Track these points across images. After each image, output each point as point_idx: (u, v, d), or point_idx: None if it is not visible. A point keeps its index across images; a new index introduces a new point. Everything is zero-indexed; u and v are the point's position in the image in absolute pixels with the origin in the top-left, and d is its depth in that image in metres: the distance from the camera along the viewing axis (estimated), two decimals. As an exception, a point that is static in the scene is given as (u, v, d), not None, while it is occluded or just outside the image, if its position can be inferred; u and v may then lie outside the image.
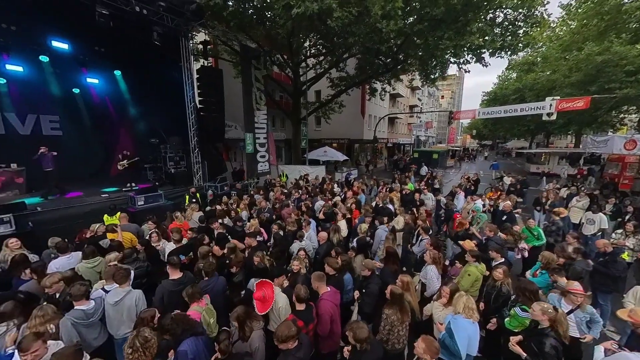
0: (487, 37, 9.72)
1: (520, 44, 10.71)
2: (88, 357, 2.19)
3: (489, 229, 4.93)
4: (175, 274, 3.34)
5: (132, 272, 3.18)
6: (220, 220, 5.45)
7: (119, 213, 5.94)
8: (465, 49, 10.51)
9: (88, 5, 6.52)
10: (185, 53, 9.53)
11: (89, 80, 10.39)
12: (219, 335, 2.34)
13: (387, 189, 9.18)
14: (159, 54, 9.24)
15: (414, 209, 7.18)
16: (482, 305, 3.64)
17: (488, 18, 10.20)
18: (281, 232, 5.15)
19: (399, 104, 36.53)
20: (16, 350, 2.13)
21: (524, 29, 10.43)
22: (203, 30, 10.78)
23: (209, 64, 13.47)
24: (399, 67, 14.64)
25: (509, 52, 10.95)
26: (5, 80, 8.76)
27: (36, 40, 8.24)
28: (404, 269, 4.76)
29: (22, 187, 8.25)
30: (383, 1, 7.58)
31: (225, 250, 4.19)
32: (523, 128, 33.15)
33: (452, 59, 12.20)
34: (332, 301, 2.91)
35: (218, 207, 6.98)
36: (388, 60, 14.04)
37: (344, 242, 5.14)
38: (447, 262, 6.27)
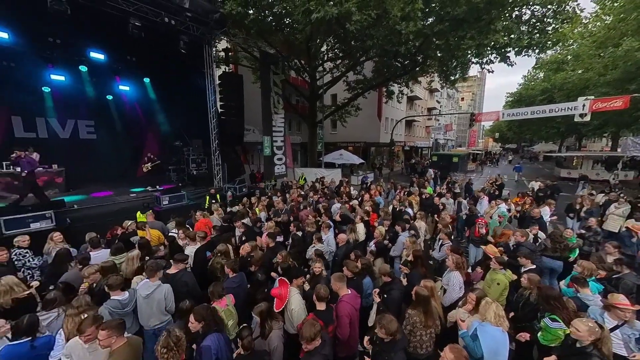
0: (512, 36, 9.29)
1: (549, 42, 10.13)
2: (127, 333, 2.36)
3: (521, 234, 4.65)
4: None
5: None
6: (243, 221, 5.58)
7: (149, 211, 6.27)
8: (488, 48, 10.11)
9: (123, 18, 7.03)
10: (209, 60, 9.96)
11: (121, 87, 11.15)
12: (241, 331, 2.38)
13: (405, 193, 8.98)
14: (184, 61, 9.74)
15: (435, 214, 6.98)
16: (511, 314, 3.44)
17: (514, 15, 9.77)
18: (299, 233, 5.18)
19: (416, 106, 35.80)
20: (59, 335, 2.32)
21: (553, 25, 9.87)
22: (225, 38, 11.25)
23: (230, 70, 14.02)
24: (418, 68, 14.38)
25: (536, 51, 10.40)
26: (49, 89, 9.61)
27: (77, 52, 8.99)
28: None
29: (61, 186, 8.94)
30: (402, 3, 7.51)
31: (249, 249, 4.29)
32: (552, 130, 31.29)
33: (474, 59, 11.79)
34: (352, 304, 2.86)
35: (238, 207, 7.17)
36: (406, 62, 13.84)
37: (361, 245, 5.07)
38: (469, 270, 6.05)
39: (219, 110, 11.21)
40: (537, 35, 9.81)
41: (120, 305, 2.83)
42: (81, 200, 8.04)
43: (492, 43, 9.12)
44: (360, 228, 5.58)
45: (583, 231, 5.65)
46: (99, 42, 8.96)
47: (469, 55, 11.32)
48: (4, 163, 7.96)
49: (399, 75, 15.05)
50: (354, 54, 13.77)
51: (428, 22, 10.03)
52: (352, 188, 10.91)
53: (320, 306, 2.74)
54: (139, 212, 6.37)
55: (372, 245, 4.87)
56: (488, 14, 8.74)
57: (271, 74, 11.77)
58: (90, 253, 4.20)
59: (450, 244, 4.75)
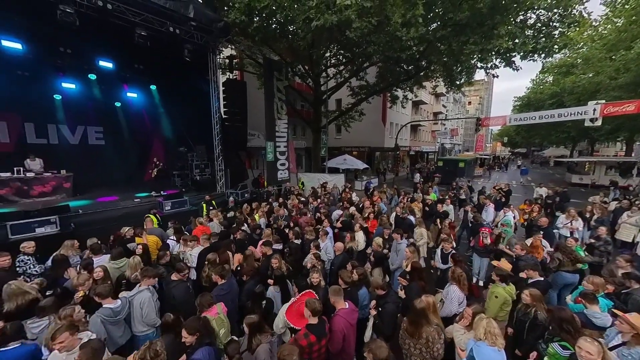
0: (517, 40, 9.14)
1: (556, 46, 9.94)
2: (109, 354, 2.31)
3: (520, 246, 4.47)
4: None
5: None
6: (242, 228, 5.57)
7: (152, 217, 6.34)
8: (492, 53, 9.98)
9: (129, 28, 7.23)
10: (213, 67, 10.13)
11: (128, 94, 11.44)
12: (228, 346, 2.33)
13: (409, 199, 8.83)
14: (189, 68, 9.94)
15: (438, 221, 6.82)
16: (510, 330, 3.28)
17: (518, 20, 9.63)
18: (298, 241, 5.13)
19: (422, 111, 35.56)
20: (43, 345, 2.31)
21: (560, 29, 9.69)
22: (229, 46, 11.46)
23: (234, 77, 14.24)
24: (422, 74, 14.31)
25: (542, 55, 10.21)
26: (60, 97, 9.93)
27: (86, 61, 9.29)
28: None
29: (69, 191, 9.14)
30: (403, 9, 7.50)
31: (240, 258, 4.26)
32: (562, 135, 30.55)
33: (478, 64, 11.66)
34: (347, 319, 2.78)
35: (237, 213, 7.18)
36: (410, 68, 13.80)
37: (362, 253, 4.97)
38: (474, 280, 5.84)
39: (223, 116, 11.35)
40: (543, 39, 9.64)
41: (113, 314, 2.82)
42: (87, 205, 8.19)
43: (496, 48, 9.00)
44: (360, 236, 5.49)
45: (592, 241, 5.40)
46: (108, 51, 9.25)
47: (474, 60, 11.19)
48: (15, 168, 8.20)
49: (402, 80, 15.00)
50: (356, 60, 13.82)
51: (431, 28, 9.99)
52: (354, 194, 10.81)
53: (313, 320, 2.67)
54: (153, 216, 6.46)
55: (370, 255, 4.78)
56: (491, 19, 8.65)
57: (275, 80, 11.89)
58: (93, 259, 4.24)
59: (453, 252, 4.61)
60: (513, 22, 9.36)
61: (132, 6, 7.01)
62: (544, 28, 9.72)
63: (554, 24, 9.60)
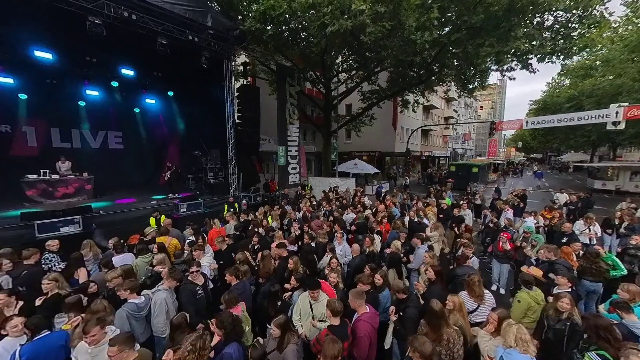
0: (534, 42, 8.95)
1: (575, 48, 9.66)
2: (138, 345, 2.36)
3: (548, 250, 4.28)
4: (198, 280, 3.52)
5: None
6: (256, 229, 5.62)
7: (163, 217, 6.48)
8: (509, 55, 9.81)
9: (151, 37, 7.56)
10: (228, 74, 10.41)
11: (147, 100, 11.89)
12: (252, 348, 2.33)
13: (424, 204, 8.66)
14: (205, 75, 10.25)
15: (454, 226, 6.65)
16: (535, 342, 3.08)
17: (535, 22, 9.45)
18: (313, 244, 5.11)
19: (433, 115, 35.19)
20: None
21: (580, 31, 9.43)
22: (244, 53, 11.76)
23: (248, 83, 14.58)
24: (434, 78, 14.21)
25: (561, 57, 9.94)
26: (84, 103, 10.44)
27: (110, 69, 9.75)
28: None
29: (90, 192, 9.50)
30: (417, 13, 7.52)
31: (259, 259, 4.28)
32: (582, 139, 29.44)
33: (493, 67, 11.47)
34: (371, 323, 2.72)
35: (251, 216, 7.25)
36: (421, 72, 13.74)
37: (377, 256, 4.90)
38: (494, 288, 5.62)
39: (237, 121, 11.60)
40: (562, 41, 9.40)
41: (137, 309, 2.89)
42: (107, 206, 8.48)
43: (513, 50, 8.84)
44: (376, 239, 5.42)
45: (620, 249, 5.10)
46: (130, 60, 9.68)
47: (488, 63, 11.02)
48: (41, 170, 8.61)
49: (414, 84, 14.93)
50: (368, 65, 13.88)
51: (444, 31, 9.95)
52: (366, 198, 10.71)
53: (335, 321, 2.62)
54: (163, 216, 6.61)
55: (387, 256, 4.69)
56: (507, 21, 8.53)
57: (287, 86, 12.09)
58: (114, 257, 4.37)
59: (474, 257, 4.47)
60: (530, 24, 9.20)
61: (154, 16, 7.34)
62: (562, 29, 9.49)
63: (573, 25, 9.36)
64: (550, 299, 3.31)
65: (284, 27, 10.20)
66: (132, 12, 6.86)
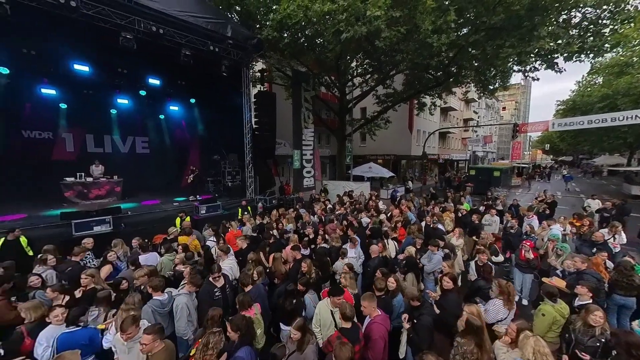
0: (560, 41, 8.51)
1: (606, 45, 9.07)
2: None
3: (580, 260, 4.05)
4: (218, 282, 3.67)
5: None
6: (271, 232, 5.78)
7: (188, 218, 6.83)
8: (532, 55, 9.39)
9: (176, 49, 8.06)
10: (246, 81, 10.81)
11: (171, 107, 12.59)
12: (277, 353, 2.43)
13: (440, 209, 8.45)
14: (225, 82, 10.70)
15: (473, 233, 6.44)
16: (565, 358, 2.93)
17: (561, 20, 9.01)
18: (326, 246, 5.18)
19: (451, 117, 34.19)
20: (110, 330, 2.60)
21: (611, 27, 8.86)
22: (261, 60, 12.18)
23: (265, 89, 15.03)
24: (451, 79, 13.87)
25: (591, 55, 9.37)
26: (115, 111, 11.25)
27: (139, 79, 10.47)
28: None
29: (119, 194, 10.18)
30: (434, 16, 7.44)
31: (272, 261, 4.41)
32: (617, 141, 27.32)
33: (515, 67, 11.02)
34: (385, 326, 2.74)
35: (266, 219, 7.45)
36: (439, 74, 13.46)
37: (392, 261, 4.88)
38: (516, 298, 5.37)
39: (254, 126, 11.97)
40: (591, 38, 8.87)
41: (161, 305, 3.09)
42: (134, 207, 9.04)
43: (536, 50, 8.45)
44: (391, 244, 5.39)
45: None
46: (156, 70, 10.34)
47: (510, 64, 10.60)
48: (77, 174, 9.36)
49: (431, 87, 14.66)
50: (383, 68, 13.83)
51: (462, 33, 9.73)
52: (381, 202, 10.62)
53: (346, 324, 2.66)
54: (188, 217, 6.98)
55: (401, 262, 4.65)
56: (530, 20, 8.19)
57: (302, 91, 12.33)
58: (140, 256, 4.69)
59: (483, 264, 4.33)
60: (555, 22, 8.77)
61: (179, 29, 7.83)
62: (591, 26, 8.96)
63: (604, 21, 8.81)
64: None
65: (299, 34, 10.46)
66: (159, 27, 7.38)
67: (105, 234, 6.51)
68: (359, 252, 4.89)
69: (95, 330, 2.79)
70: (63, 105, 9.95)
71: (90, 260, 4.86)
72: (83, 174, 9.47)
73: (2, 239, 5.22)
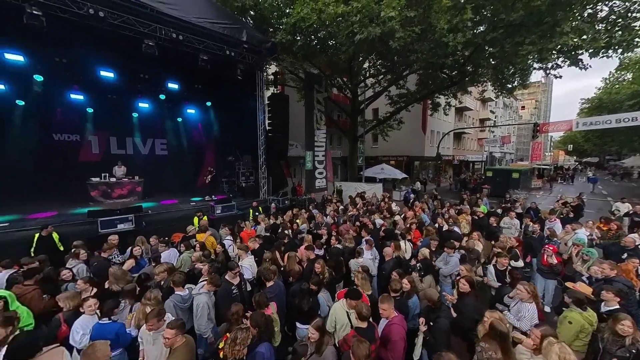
0: (585, 36, 8.10)
1: (636, 39, 8.54)
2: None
3: (609, 266, 3.85)
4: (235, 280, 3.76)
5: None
6: (285, 231, 5.87)
7: (205, 217, 7.06)
8: (554, 52, 8.99)
9: (194, 54, 8.37)
10: (260, 84, 11.04)
11: (188, 110, 13.04)
12: (298, 349, 2.48)
13: (456, 211, 8.26)
14: (239, 86, 10.98)
15: (491, 237, 6.25)
16: None
17: (585, 15, 8.58)
18: (339, 246, 5.20)
19: (466, 117, 33.27)
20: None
21: (643, 19, 8.35)
22: (274, 63, 12.39)
23: (278, 91, 15.26)
24: (467, 79, 13.52)
25: (619, 50, 8.86)
26: (137, 115, 11.78)
27: (159, 84, 10.93)
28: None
29: (140, 194, 10.63)
30: (449, 15, 7.30)
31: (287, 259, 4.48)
32: (648, 141, 25.65)
33: (536, 65, 10.60)
34: (403, 327, 2.73)
35: (282, 219, 7.56)
36: (454, 73, 13.16)
37: (407, 263, 4.83)
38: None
39: (267, 128, 12.19)
40: (619, 32, 8.38)
41: (182, 300, 3.23)
42: (153, 206, 9.43)
43: (559, 46, 8.09)
44: (406, 245, 5.34)
45: None
46: (175, 75, 10.77)
47: (530, 61, 10.21)
48: (102, 174, 9.87)
49: (445, 87, 14.35)
50: (396, 69, 13.70)
51: (478, 31, 9.47)
52: (394, 204, 10.50)
53: (362, 324, 2.67)
54: (205, 217, 7.22)
55: (417, 266, 4.60)
56: (552, 15, 7.85)
57: (314, 93, 12.44)
58: (162, 253, 4.91)
59: (510, 268, 4.20)
60: (579, 17, 8.36)
61: (197, 36, 8.14)
62: (620, 20, 8.48)
63: (634, 14, 8.32)
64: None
65: (312, 36, 10.57)
66: (179, 33, 7.69)
67: (127, 232, 6.84)
68: (375, 253, 4.89)
69: (123, 326, 2.96)
70: (90, 110, 10.55)
71: (116, 256, 5.12)
72: (107, 174, 9.98)
73: (37, 235, 5.60)
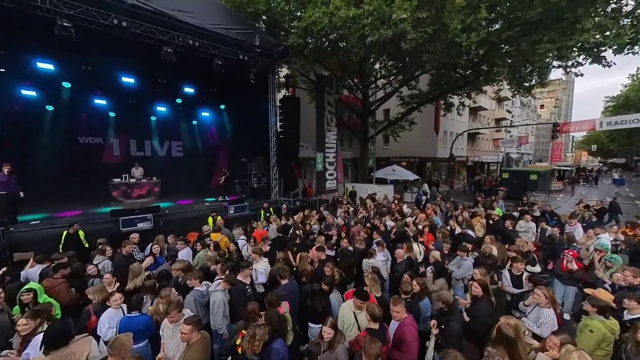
0: (609, 32, 7.72)
1: (666, 33, 8.07)
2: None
3: (632, 273, 3.69)
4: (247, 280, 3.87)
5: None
6: (297, 232, 5.96)
7: (219, 217, 7.28)
8: (575, 49, 8.63)
9: (209, 59, 8.65)
10: (272, 86, 11.23)
11: (203, 113, 13.46)
12: (312, 349, 2.56)
13: (470, 214, 8.07)
14: (252, 89, 11.22)
15: (506, 241, 6.08)
16: None
17: (609, 9, 8.19)
18: (350, 248, 5.23)
19: (481, 117, 32.39)
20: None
21: (673, 13, 7.88)
22: (285, 66, 12.57)
23: (289, 94, 15.48)
24: (482, 78, 13.18)
25: (646, 46, 8.40)
26: (155, 118, 12.28)
27: (176, 88, 11.35)
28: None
29: (157, 194, 11.06)
30: (463, 15, 7.17)
31: (298, 260, 4.56)
32: (681, 141, 24.03)
33: (555, 63, 10.20)
34: (415, 327, 2.76)
35: (293, 220, 7.67)
36: (468, 73, 12.87)
37: (419, 265, 4.81)
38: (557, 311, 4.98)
39: (278, 130, 12.38)
40: (647, 27, 7.96)
41: (201, 295, 3.40)
42: (170, 206, 9.79)
43: (580, 44, 7.76)
44: (417, 248, 5.30)
45: None
46: (191, 79, 11.16)
47: (548, 59, 9.84)
48: (123, 175, 10.35)
49: (459, 87, 14.05)
50: (408, 69, 13.55)
51: (493, 29, 9.24)
52: (405, 206, 10.39)
53: (374, 325, 2.70)
54: (219, 217, 7.45)
55: (429, 269, 4.56)
56: (572, 12, 7.55)
57: (325, 95, 12.52)
58: (179, 252, 5.12)
59: (529, 274, 4.09)
60: (602, 13, 7.99)
61: (213, 41, 8.42)
62: (647, 14, 8.05)
63: (663, 8, 7.87)
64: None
65: (323, 39, 10.66)
66: (195, 40, 7.99)
67: (146, 230, 7.15)
68: (387, 254, 4.89)
69: (150, 318, 3.14)
70: (112, 114, 11.11)
71: (136, 254, 5.38)
72: (127, 175, 10.46)
73: (65, 232, 5.97)
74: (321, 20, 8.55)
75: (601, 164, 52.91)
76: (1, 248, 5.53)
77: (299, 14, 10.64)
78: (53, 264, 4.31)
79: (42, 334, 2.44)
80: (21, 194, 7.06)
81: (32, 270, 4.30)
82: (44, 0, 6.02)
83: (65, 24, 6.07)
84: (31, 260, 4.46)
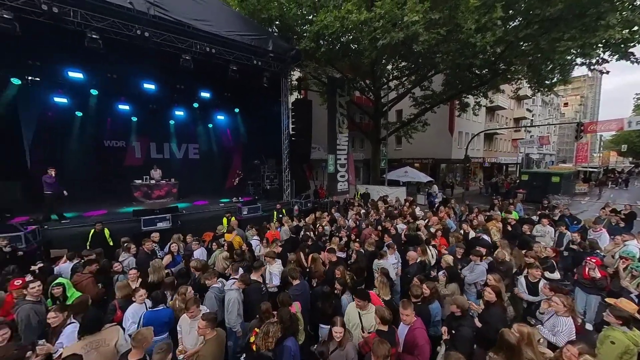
0: (636, 27, 7.28)
1: (703, 26, 7.50)
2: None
3: None
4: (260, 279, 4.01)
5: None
6: (307, 233, 6.07)
7: (233, 218, 7.51)
8: (600, 45, 8.19)
9: (224, 65, 8.96)
10: (284, 89, 11.45)
11: (218, 117, 13.91)
12: (323, 350, 2.65)
13: (486, 217, 7.85)
14: (265, 92, 11.48)
15: (523, 246, 5.88)
16: None
17: (638, 3, 7.72)
18: (362, 250, 5.27)
19: (498, 117, 31.27)
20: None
21: None
22: (298, 69, 12.75)
23: (301, 96, 15.67)
24: (499, 77, 12.75)
25: (680, 40, 7.84)
26: (173, 122, 12.84)
27: (193, 93, 11.82)
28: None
29: (175, 195, 11.54)
30: (477, 14, 7.02)
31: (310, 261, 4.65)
32: None
33: (578, 60, 9.72)
34: (426, 330, 2.78)
35: (304, 222, 7.78)
36: (484, 72, 12.50)
37: (429, 267, 4.78)
38: (578, 322, 4.76)
39: (291, 132, 12.57)
40: (680, 20, 7.43)
41: (219, 291, 3.59)
42: (187, 207, 10.18)
43: (604, 40, 7.37)
44: (429, 251, 5.25)
45: None
46: (207, 84, 11.58)
47: (571, 57, 9.39)
48: (144, 176, 10.89)
49: (474, 86, 13.67)
50: (421, 70, 13.36)
51: (510, 26, 8.94)
52: (417, 208, 10.24)
53: (383, 327, 2.74)
54: (233, 217, 7.71)
55: (442, 273, 4.51)
56: (596, 7, 7.19)
57: (337, 97, 12.59)
58: (193, 250, 5.35)
59: (547, 282, 3.96)
60: (629, 7, 7.55)
61: (228, 48, 8.72)
62: (680, 6, 7.53)
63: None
64: None
65: (335, 42, 10.75)
66: (212, 47, 8.32)
67: (165, 230, 7.49)
68: (398, 257, 4.90)
69: (172, 311, 3.35)
70: (134, 119, 11.74)
71: (157, 251, 5.68)
72: (148, 177, 11.00)
73: (92, 230, 6.39)
74: (333, 24, 8.64)
75: (632, 165, 49.47)
76: (37, 244, 6.00)
77: (311, 18, 10.79)
78: (83, 260, 4.64)
79: (72, 324, 2.68)
80: (65, 192, 7.73)
81: (64, 266, 4.66)
82: (76, 14, 6.49)
83: (94, 35, 6.52)
84: (64, 256, 4.83)
